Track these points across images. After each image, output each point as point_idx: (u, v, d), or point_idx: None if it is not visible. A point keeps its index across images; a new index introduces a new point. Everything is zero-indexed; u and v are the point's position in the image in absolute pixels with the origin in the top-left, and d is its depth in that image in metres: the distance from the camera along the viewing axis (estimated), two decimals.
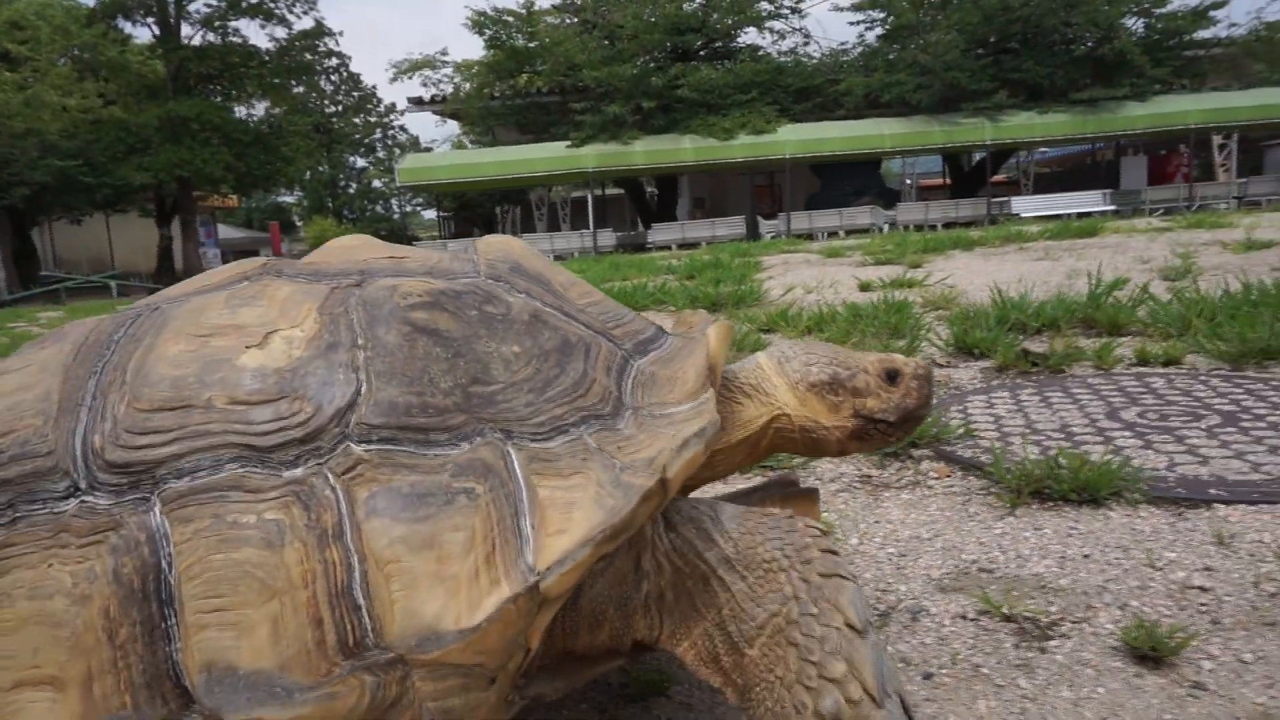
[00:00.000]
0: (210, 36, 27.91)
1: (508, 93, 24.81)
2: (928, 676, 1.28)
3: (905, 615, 1.47)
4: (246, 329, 0.94)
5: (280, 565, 0.81)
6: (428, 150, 37.95)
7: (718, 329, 1.11)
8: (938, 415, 2.53)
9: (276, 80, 29.61)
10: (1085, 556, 1.64)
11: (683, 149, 22.62)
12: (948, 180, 28.76)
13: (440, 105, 27.05)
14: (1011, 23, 22.01)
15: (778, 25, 25.17)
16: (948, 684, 1.25)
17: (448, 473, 0.87)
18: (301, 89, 33.18)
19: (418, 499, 0.84)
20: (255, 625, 0.79)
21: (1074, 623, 1.40)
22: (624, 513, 0.86)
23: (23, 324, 10.32)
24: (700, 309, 5.44)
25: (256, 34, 38.58)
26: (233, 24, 27.94)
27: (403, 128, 50.36)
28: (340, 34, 32.27)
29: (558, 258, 19.75)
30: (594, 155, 22.41)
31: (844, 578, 0.92)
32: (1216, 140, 24.79)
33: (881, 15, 24.12)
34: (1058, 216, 17.39)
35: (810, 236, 19.69)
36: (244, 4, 27.44)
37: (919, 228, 18.66)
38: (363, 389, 0.90)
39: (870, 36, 24.91)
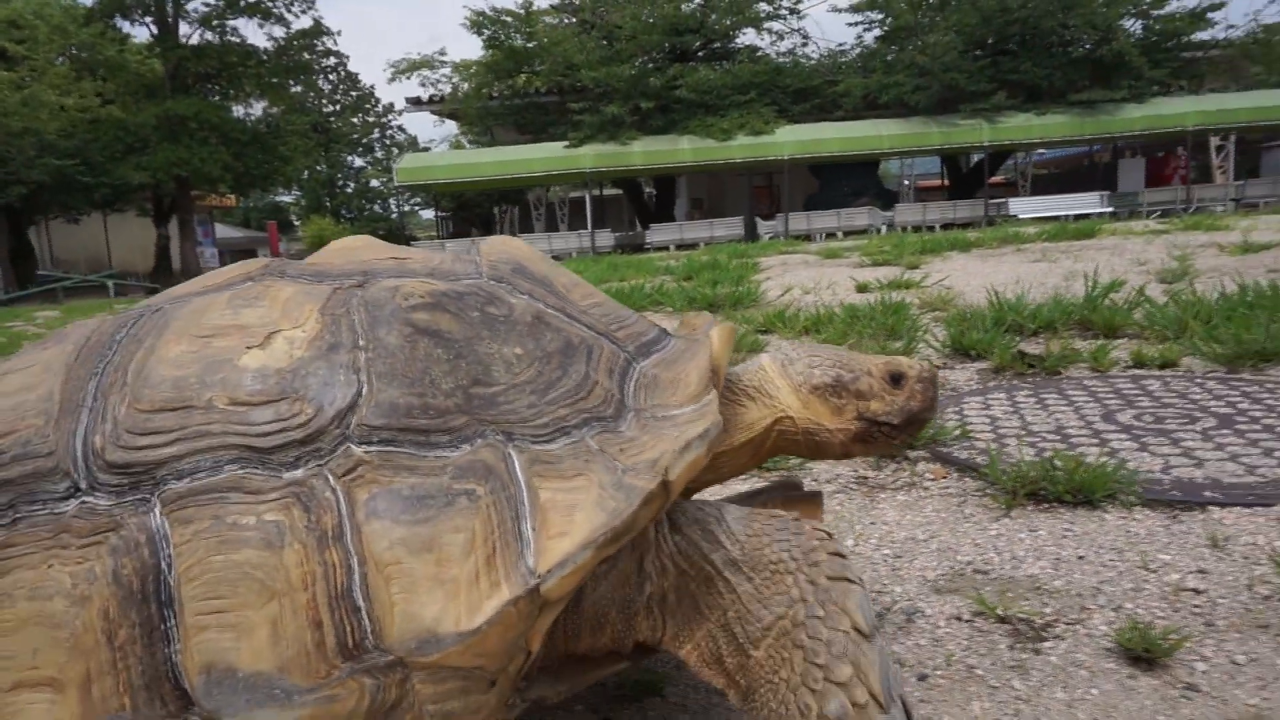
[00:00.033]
0: (208, 35, 27.89)
1: (506, 93, 24.81)
2: (922, 678, 1.28)
3: (900, 616, 1.48)
4: (248, 329, 0.94)
5: (280, 567, 0.80)
6: (426, 150, 37.94)
7: (721, 331, 1.11)
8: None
9: (274, 79, 29.59)
10: (1080, 558, 1.64)
11: (681, 149, 22.63)
12: (946, 181, 28.79)
13: (438, 105, 27.04)
14: (1009, 24, 22.04)
15: (776, 26, 25.20)
16: (942, 685, 1.26)
17: (448, 474, 0.86)
18: (299, 88, 33.17)
19: (418, 501, 0.84)
20: (255, 627, 0.79)
21: (1068, 624, 1.41)
22: (626, 515, 0.86)
23: (19, 323, 10.31)
24: (698, 310, 5.44)
25: (255, 33, 38.47)
26: (231, 23, 27.94)
27: (401, 127, 50.42)
28: (338, 33, 32.30)
29: (555, 258, 19.71)
30: (592, 155, 22.41)
31: (851, 581, 0.92)
32: (1214, 142, 24.84)
33: (880, 16, 24.14)
34: (1055, 218, 17.42)
35: (808, 237, 19.70)
36: (242, 3, 27.40)
37: (917, 229, 18.67)
38: (364, 390, 0.89)
39: (868, 38, 24.96)
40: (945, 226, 20.52)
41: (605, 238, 22.83)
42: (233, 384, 0.89)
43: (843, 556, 0.95)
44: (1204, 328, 3.41)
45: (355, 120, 44.70)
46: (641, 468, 0.90)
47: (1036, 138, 22.80)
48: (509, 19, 24.90)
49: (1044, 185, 28.71)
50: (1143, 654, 1.27)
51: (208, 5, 27.16)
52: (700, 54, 24.72)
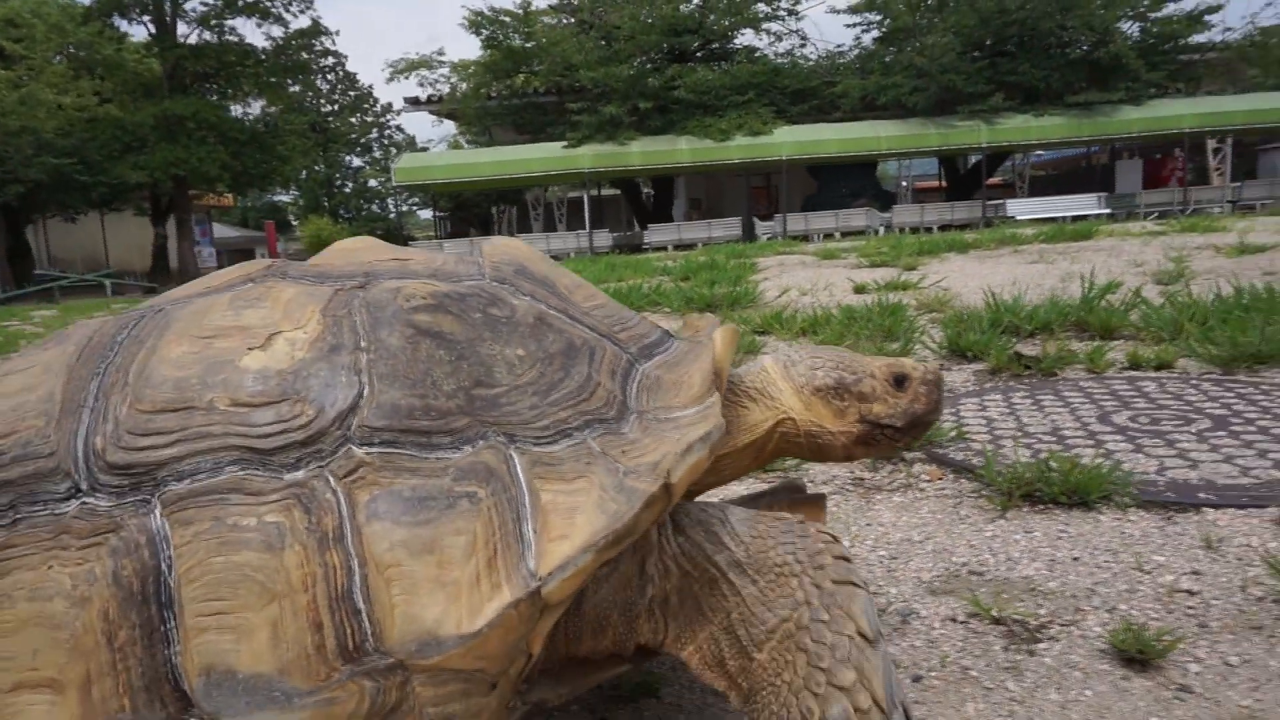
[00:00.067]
0: (206, 35, 27.87)
1: (504, 93, 24.81)
2: (917, 679, 1.29)
3: (895, 618, 1.48)
4: (250, 330, 0.94)
5: (280, 568, 0.80)
6: (424, 150, 37.95)
7: (724, 332, 1.11)
8: None
9: (273, 79, 29.57)
10: (1075, 559, 1.65)
11: (679, 150, 22.64)
12: (943, 183, 28.84)
13: (437, 105, 27.04)
14: (1007, 26, 22.08)
15: (774, 27, 25.23)
16: (937, 686, 1.27)
17: (450, 476, 0.86)
18: (298, 88, 33.14)
19: (419, 503, 0.84)
20: (255, 629, 0.79)
21: (1063, 625, 1.41)
22: (627, 518, 0.85)
23: (16, 322, 10.29)
24: (696, 310, 5.45)
25: (253, 33, 38.60)
26: (229, 22, 27.91)
27: (399, 127, 50.35)
28: (337, 33, 32.23)
29: (553, 258, 19.70)
30: (590, 156, 22.42)
31: (856, 585, 0.92)
32: (1211, 144, 24.91)
33: (878, 18, 24.18)
34: (1053, 219, 17.46)
35: (806, 238, 19.72)
36: (240, 3, 27.38)
37: (914, 230, 18.69)
38: (365, 391, 0.89)
39: (867, 39, 25.01)
40: (943, 228, 20.54)
41: (603, 238, 22.84)
42: (234, 385, 0.88)
43: (848, 560, 0.95)
44: (1200, 329, 3.42)
45: (353, 120, 44.66)
46: (643, 470, 0.90)
47: (1034, 139, 22.84)
48: (507, 19, 24.90)
49: (1041, 187, 28.79)
50: (1136, 655, 1.28)
51: (206, 4, 27.16)
52: (698, 54, 24.74)
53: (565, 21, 25.53)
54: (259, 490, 0.84)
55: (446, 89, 28.46)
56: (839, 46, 27.06)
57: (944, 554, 1.73)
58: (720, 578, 0.97)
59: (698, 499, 1.19)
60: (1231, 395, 2.69)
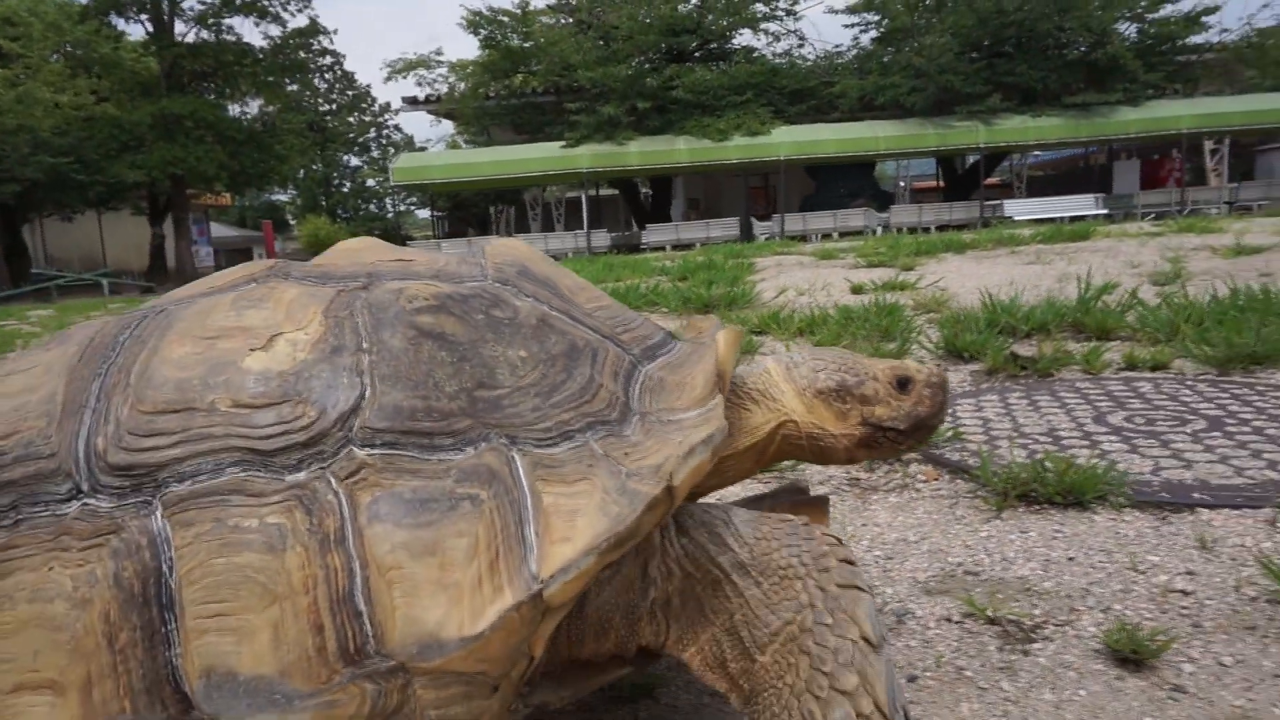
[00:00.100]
0: (204, 34, 27.85)
1: (502, 93, 24.80)
2: (912, 679, 1.30)
3: (891, 618, 1.49)
4: (252, 331, 0.93)
5: (281, 570, 0.80)
6: (422, 150, 37.92)
7: (727, 334, 1.10)
8: None
9: (270, 78, 29.54)
10: (1069, 560, 1.66)
11: (677, 150, 22.65)
12: (941, 183, 28.87)
13: (435, 105, 27.03)
14: (1005, 26, 22.12)
15: (773, 27, 25.26)
16: (932, 686, 1.27)
17: (451, 478, 0.86)
18: (295, 87, 33.13)
19: (421, 505, 0.84)
20: (256, 631, 0.79)
21: (1057, 625, 1.42)
22: (629, 521, 0.85)
23: (13, 322, 10.27)
24: (693, 311, 5.46)
25: (250, 32, 38.52)
26: (226, 21, 27.89)
27: (397, 127, 50.36)
28: (335, 32, 32.15)
29: (551, 258, 19.75)
30: (589, 156, 22.42)
31: (861, 589, 0.92)
32: (1208, 145, 24.98)
33: (876, 18, 24.21)
34: (1050, 220, 17.48)
35: (804, 238, 19.73)
36: (238, 1, 27.36)
37: (912, 230, 18.70)
38: (367, 393, 0.89)
39: (865, 39, 25.04)
40: (941, 228, 20.57)
41: (601, 238, 22.84)
42: (236, 386, 0.88)
43: (853, 564, 0.95)
44: (1195, 330, 3.43)
45: (351, 119, 44.67)
46: (645, 472, 0.89)
47: (1032, 140, 22.89)
48: (505, 19, 24.89)
49: (1039, 187, 28.85)
50: (1130, 655, 1.29)
51: (203, 3, 27.14)
52: (697, 54, 24.75)
53: (563, 21, 25.53)
54: (260, 492, 0.83)
55: (444, 89, 28.43)
56: (837, 47, 27.12)
57: (939, 554, 1.74)
58: (724, 579, 0.97)
59: (700, 501, 1.19)
60: (1227, 396, 2.70)
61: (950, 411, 2.75)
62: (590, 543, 0.84)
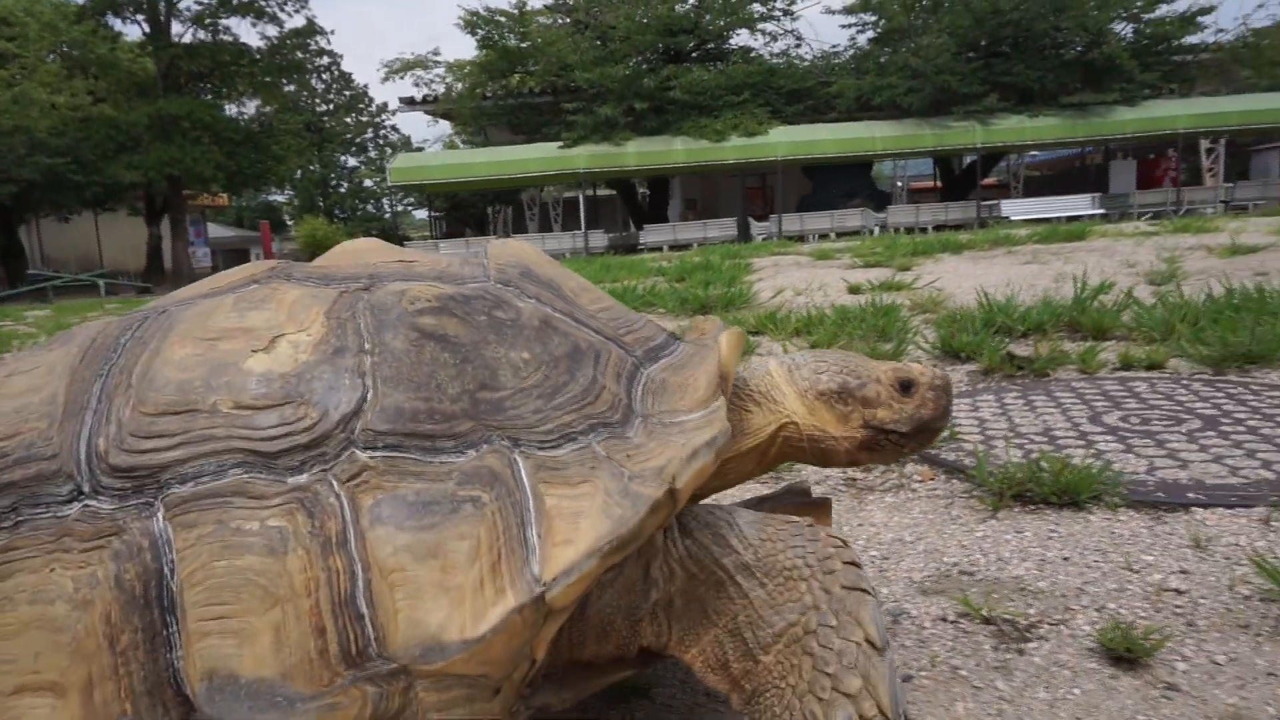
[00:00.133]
0: (201, 34, 27.80)
1: (500, 93, 24.80)
2: (908, 679, 1.30)
3: (887, 618, 1.50)
4: (254, 333, 0.93)
5: (283, 573, 0.80)
6: (419, 150, 37.91)
7: (730, 336, 1.10)
8: None
9: (267, 79, 29.52)
10: (1065, 559, 1.67)
11: (674, 150, 22.66)
12: (938, 183, 28.91)
13: (432, 105, 27.03)
14: (1002, 26, 22.15)
15: (770, 27, 25.28)
16: (927, 686, 1.28)
17: (454, 480, 0.86)
18: (293, 88, 33.13)
19: (423, 507, 0.84)
20: (257, 633, 0.79)
21: (1052, 625, 1.43)
22: (632, 523, 0.85)
23: (9, 323, 10.25)
24: (690, 311, 5.47)
25: (247, 32, 38.38)
26: (223, 22, 27.84)
27: (394, 127, 50.40)
28: (332, 32, 32.22)
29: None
30: (586, 156, 22.42)
31: (866, 592, 0.92)
32: (1204, 145, 25.03)
33: (873, 18, 24.24)
34: (1047, 220, 17.50)
35: (801, 238, 19.74)
36: (235, 2, 27.32)
37: (910, 230, 18.73)
38: (369, 395, 0.89)
39: (862, 39, 25.08)
40: (938, 228, 20.60)
41: (599, 238, 22.85)
42: (237, 387, 0.88)
43: (858, 566, 0.95)
44: (1191, 330, 3.45)
45: (349, 120, 44.66)
46: (648, 475, 0.89)
47: (1029, 140, 22.93)
48: (503, 19, 24.88)
49: (1036, 187, 28.89)
50: (1125, 654, 1.29)
51: (200, 4, 27.08)
52: (694, 55, 24.76)
53: (561, 22, 25.53)
54: (262, 494, 0.83)
55: (442, 89, 28.42)
56: (834, 47, 27.14)
57: (935, 554, 1.75)
58: (728, 580, 0.97)
59: (702, 502, 1.19)
60: (1222, 395, 2.71)
61: None
62: (593, 545, 0.84)
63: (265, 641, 0.79)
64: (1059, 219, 17.65)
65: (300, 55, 31.48)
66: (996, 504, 1.95)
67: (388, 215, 47.82)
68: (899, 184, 34.97)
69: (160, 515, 0.83)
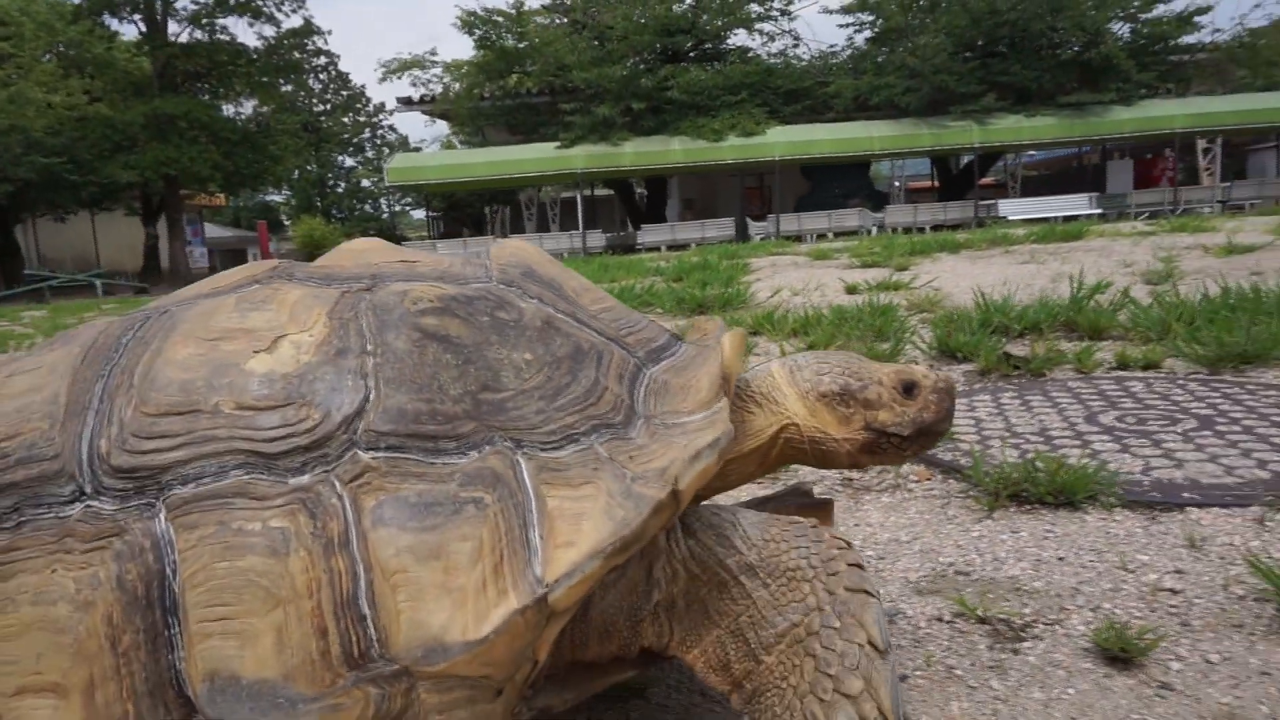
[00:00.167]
0: (198, 34, 27.80)
1: (497, 93, 24.78)
2: (903, 678, 1.31)
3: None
4: (256, 333, 0.93)
5: (285, 574, 0.80)
6: (417, 150, 37.90)
7: (732, 337, 1.10)
8: None
9: (264, 78, 29.50)
10: (1060, 559, 1.68)
11: (672, 150, 22.67)
12: (936, 183, 28.93)
13: (429, 105, 27.02)
14: (999, 26, 22.18)
15: (767, 27, 25.29)
16: (922, 685, 1.29)
17: (456, 482, 0.86)
18: (290, 87, 33.07)
19: (425, 508, 0.84)
20: (259, 634, 0.79)
21: (1047, 624, 1.44)
22: (634, 525, 0.85)
23: (5, 323, 10.24)
24: (689, 312, 5.47)
25: (245, 32, 38.39)
26: (220, 21, 27.82)
27: (392, 127, 50.38)
28: (329, 32, 32.28)
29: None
30: (583, 156, 22.42)
31: (870, 594, 0.92)
32: (1201, 144, 25.07)
33: (870, 18, 24.26)
34: (1044, 219, 17.54)
35: (799, 238, 19.76)
36: (232, 1, 27.30)
37: (907, 230, 18.77)
38: (371, 395, 0.89)
39: (859, 39, 25.09)
40: (936, 228, 20.62)
41: (596, 238, 22.85)
42: (239, 388, 0.88)
43: (862, 568, 0.95)
44: (1187, 330, 3.46)
45: (346, 120, 44.63)
46: (651, 476, 0.89)
47: (1026, 139, 22.96)
48: (500, 19, 24.87)
49: (1033, 187, 28.93)
50: (1119, 654, 1.30)
51: (197, 3, 27.06)
52: (692, 55, 24.76)
53: (558, 22, 25.52)
54: (264, 495, 0.83)
55: (439, 89, 28.42)
56: (832, 47, 27.22)
57: (931, 554, 1.75)
58: (731, 581, 0.97)
59: (703, 503, 1.20)
60: (1217, 395, 2.72)
61: None
62: (595, 546, 0.84)
63: (267, 642, 0.79)
64: (1056, 219, 17.68)
65: (297, 55, 31.45)
66: (992, 504, 1.96)
67: (385, 215, 47.81)
68: (896, 184, 35.02)
69: (162, 516, 0.83)
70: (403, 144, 46.06)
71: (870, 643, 0.88)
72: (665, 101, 22.84)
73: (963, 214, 22.66)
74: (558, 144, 22.81)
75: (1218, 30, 26.25)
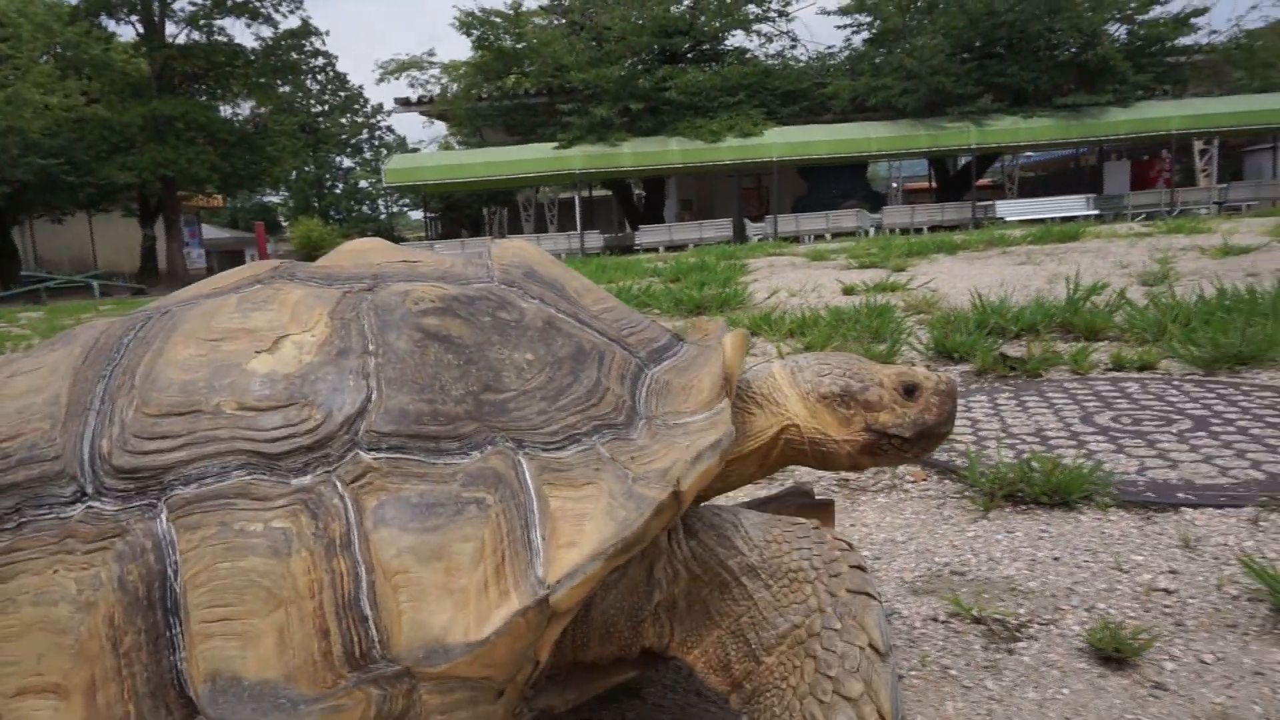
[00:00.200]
0: (195, 35, 27.78)
1: (495, 94, 24.79)
2: (899, 678, 1.32)
3: None
4: (257, 333, 0.93)
5: (287, 574, 0.80)
6: (415, 151, 37.88)
7: (734, 337, 1.10)
8: None
9: (262, 79, 29.47)
10: (1055, 559, 1.68)
11: (670, 151, 22.69)
12: (933, 184, 28.97)
13: (427, 106, 27.01)
14: (996, 28, 22.22)
15: (765, 28, 25.33)
16: (917, 685, 1.29)
17: (458, 482, 0.85)
18: (287, 89, 33.04)
19: (427, 509, 0.83)
20: (261, 635, 0.79)
21: (1041, 624, 1.44)
22: (636, 525, 0.85)
23: (2, 324, 10.22)
24: (686, 313, 5.48)
25: (242, 33, 38.42)
26: (218, 22, 27.80)
27: (390, 128, 50.28)
28: (327, 33, 32.15)
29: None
30: (581, 157, 22.44)
31: (871, 596, 0.92)
32: (1197, 146, 25.12)
33: (868, 19, 24.30)
34: (1041, 220, 17.55)
35: (797, 239, 19.80)
36: (229, 3, 27.28)
37: (905, 231, 18.81)
38: (373, 396, 0.89)
39: (857, 40, 25.13)
40: (933, 229, 20.65)
41: (594, 239, 22.87)
42: (241, 389, 0.88)
43: (864, 570, 0.95)
44: (1182, 331, 3.47)
45: (344, 121, 44.59)
46: (652, 477, 0.89)
47: (1023, 141, 23.00)
48: (498, 20, 24.88)
49: (1030, 188, 28.95)
50: (1113, 654, 1.30)
51: (194, 4, 27.03)
52: (689, 56, 24.78)
53: (556, 23, 25.53)
54: (266, 495, 0.83)
55: (437, 90, 28.40)
56: (829, 48, 27.21)
57: (927, 554, 1.76)
58: (732, 582, 0.97)
59: (704, 504, 1.20)
60: (1212, 396, 2.73)
61: None
62: (597, 547, 0.84)
63: (269, 643, 0.79)
64: (1053, 220, 17.69)
65: (295, 56, 31.43)
66: (988, 504, 1.96)
67: (383, 216, 47.81)
68: (894, 185, 35.05)
69: (164, 517, 0.83)
70: (400, 145, 46.07)
71: (871, 645, 0.88)
72: (663, 102, 22.86)
73: (960, 215, 22.69)
74: (555, 145, 22.82)
75: (1214, 32, 26.48)
